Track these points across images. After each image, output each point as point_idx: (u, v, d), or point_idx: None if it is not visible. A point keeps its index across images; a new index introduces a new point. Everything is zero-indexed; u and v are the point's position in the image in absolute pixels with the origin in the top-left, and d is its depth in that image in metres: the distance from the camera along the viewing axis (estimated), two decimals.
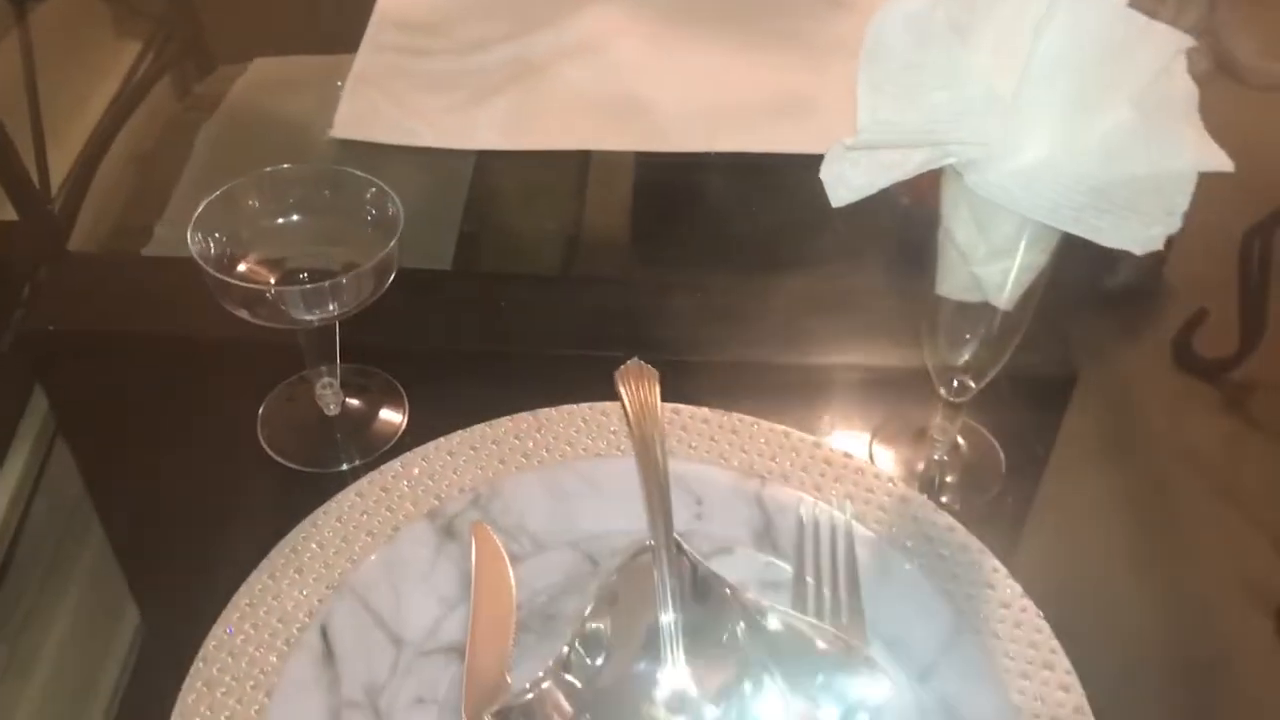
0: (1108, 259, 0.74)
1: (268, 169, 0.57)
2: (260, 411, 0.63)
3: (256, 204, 0.57)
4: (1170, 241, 0.74)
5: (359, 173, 0.58)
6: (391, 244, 0.55)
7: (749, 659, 0.48)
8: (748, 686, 0.47)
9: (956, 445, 0.62)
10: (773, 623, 0.48)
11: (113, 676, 0.54)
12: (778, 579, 0.54)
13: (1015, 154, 0.47)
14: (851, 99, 0.48)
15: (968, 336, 0.55)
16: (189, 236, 0.54)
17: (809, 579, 0.53)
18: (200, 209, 0.55)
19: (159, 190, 0.77)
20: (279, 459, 0.61)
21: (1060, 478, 0.63)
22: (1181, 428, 0.64)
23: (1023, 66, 0.46)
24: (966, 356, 0.56)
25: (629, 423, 0.49)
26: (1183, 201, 0.47)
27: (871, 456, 0.62)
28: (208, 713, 0.49)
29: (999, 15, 0.47)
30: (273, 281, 0.56)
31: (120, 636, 0.55)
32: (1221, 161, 0.47)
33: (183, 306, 0.68)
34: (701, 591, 0.48)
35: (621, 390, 0.50)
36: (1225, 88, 0.79)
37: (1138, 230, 0.47)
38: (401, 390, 0.64)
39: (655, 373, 0.51)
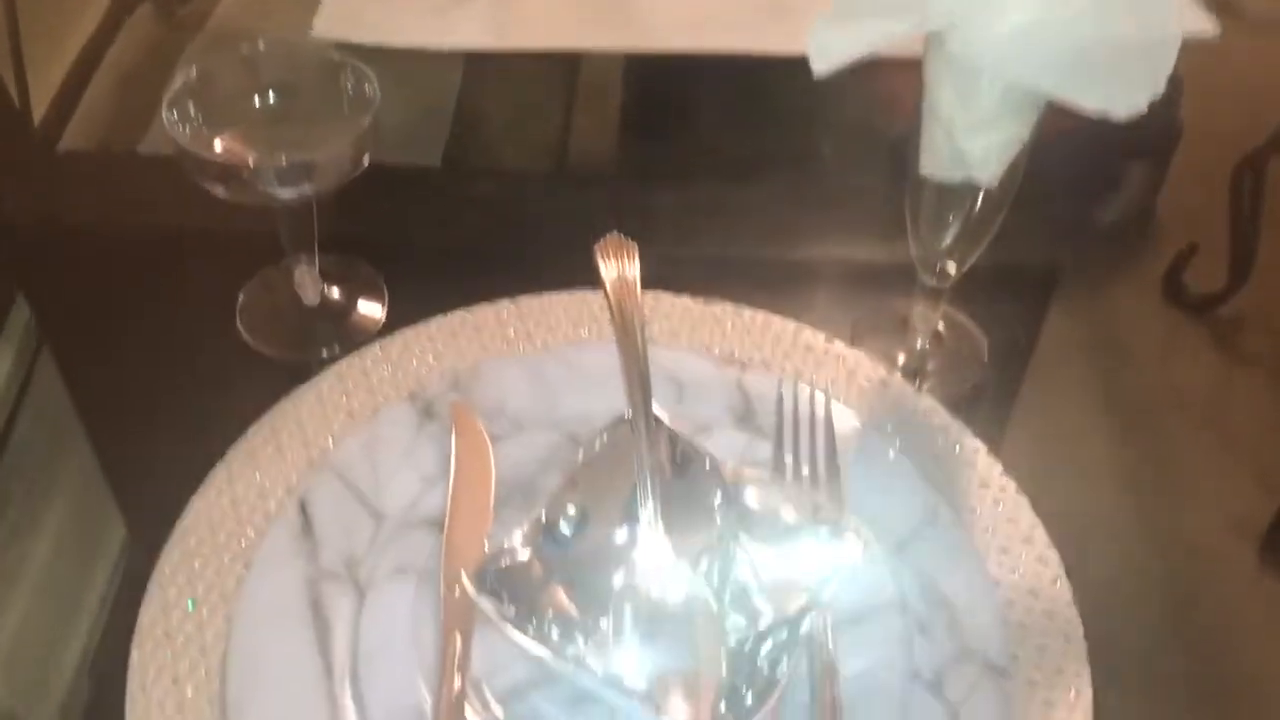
0: (1099, 192, 0.75)
1: (242, 45, 0.56)
2: (239, 301, 0.62)
3: (231, 82, 0.56)
4: (1163, 176, 0.75)
5: (335, 53, 0.57)
6: (367, 119, 0.54)
7: (726, 528, 0.48)
8: (724, 555, 0.47)
9: (939, 334, 0.62)
10: (751, 492, 0.48)
11: (104, 576, 0.53)
12: (757, 459, 0.54)
13: (1000, 16, 0.47)
14: None
15: (950, 218, 0.55)
16: (163, 112, 0.54)
17: (788, 458, 0.53)
18: (175, 84, 0.54)
19: (144, 110, 0.76)
20: (258, 347, 0.61)
21: (1043, 369, 0.63)
22: (1169, 361, 0.64)
23: None
24: (949, 239, 0.56)
25: (606, 294, 0.49)
26: (1167, 66, 0.46)
27: (853, 344, 0.61)
28: (184, 582, 0.49)
29: None
30: (250, 160, 0.55)
31: (109, 537, 0.55)
32: (1205, 25, 0.46)
33: (162, 201, 0.67)
34: (680, 463, 0.48)
35: (600, 262, 0.50)
36: (1219, 21, 0.78)
37: (1122, 95, 0.46)
38: (382, 282, 0.63)
39: (634, 246, 0.51)
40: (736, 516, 0.48)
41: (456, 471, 0.52)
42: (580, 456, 0.48)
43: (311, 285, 0.61)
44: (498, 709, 0.45)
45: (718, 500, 0.48)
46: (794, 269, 0.67)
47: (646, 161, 0.75)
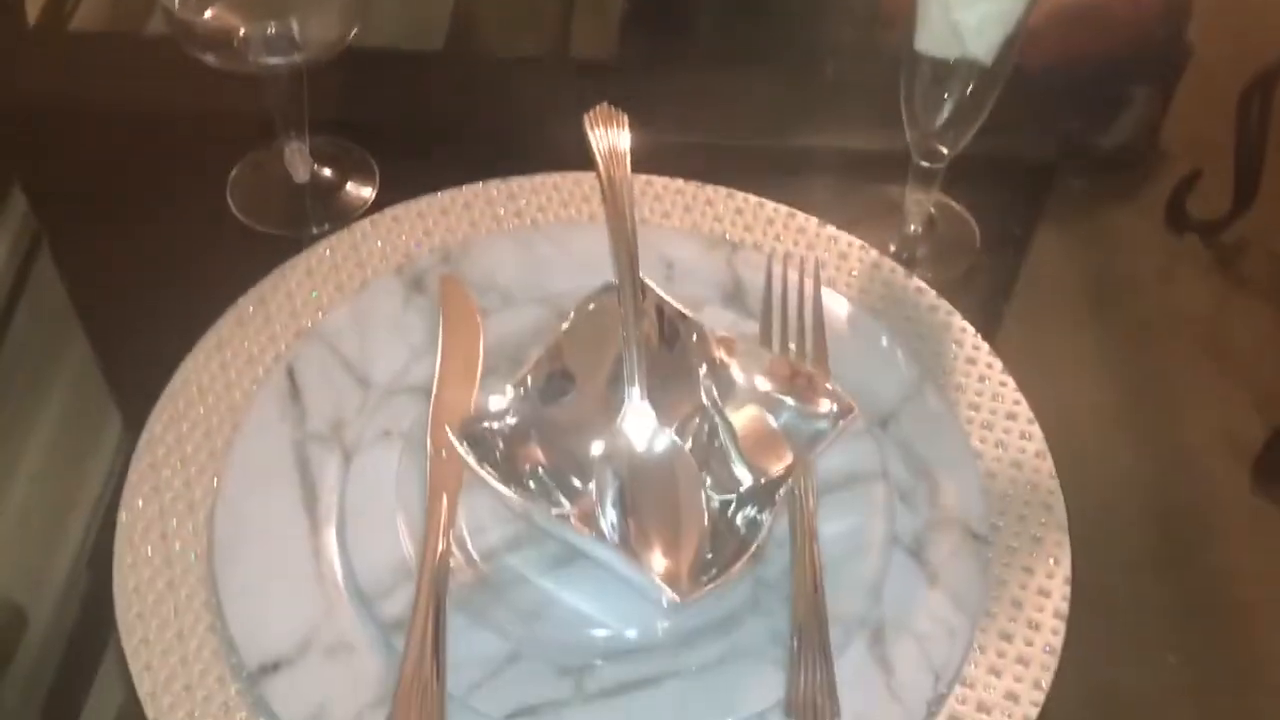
0: (1102, 118, 0.74)
1: None
2: (230, 177, 0.62)
3: None
4: (1167, 101, 0.74)
5: None
6: None
7: (710, 393, 0.48)
8: (707, 418, 0.48)
9: (932, 219, 0.61)
10: (736, 359, 0.48)
11: (104, 466, 0.53)
12: (744, 334, 0.54)
13: None
14: None
15: (945, 96, 0.55)
16: None
17: (775, 332, 0.53)
18: None
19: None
20: (248, 223, 0.61)
21: (1038, 264, 0.63)
22: (1170, 285, 0.64)
23: None
24: (943, 118, 0.55)
25: (594, 159, 0.49)
26: None
27: (846, 229, 0.61)
28: (173, 442, 0.49)
29: None
30: (240, 28, 0.55)
31: (109, 426, 0.55)
32: None
33: (156, 82, 0.67)
34: (667, 329, 0.48)
35: (589, 130, 0.49)
36: None
37: None
38: (373, 162, 0.63)
39: (624, 116, 0.51)
40: (721, 382, 0.48)
41: (444, 341, 0.52)
42: (567, 320, 0.48)
43: (302, 163, 0.61)
44: (483, 567, 0.46)
45: (703, 367, 0.48)
46: (790, 156, 0.66)
47: (646, 49, 0.74)
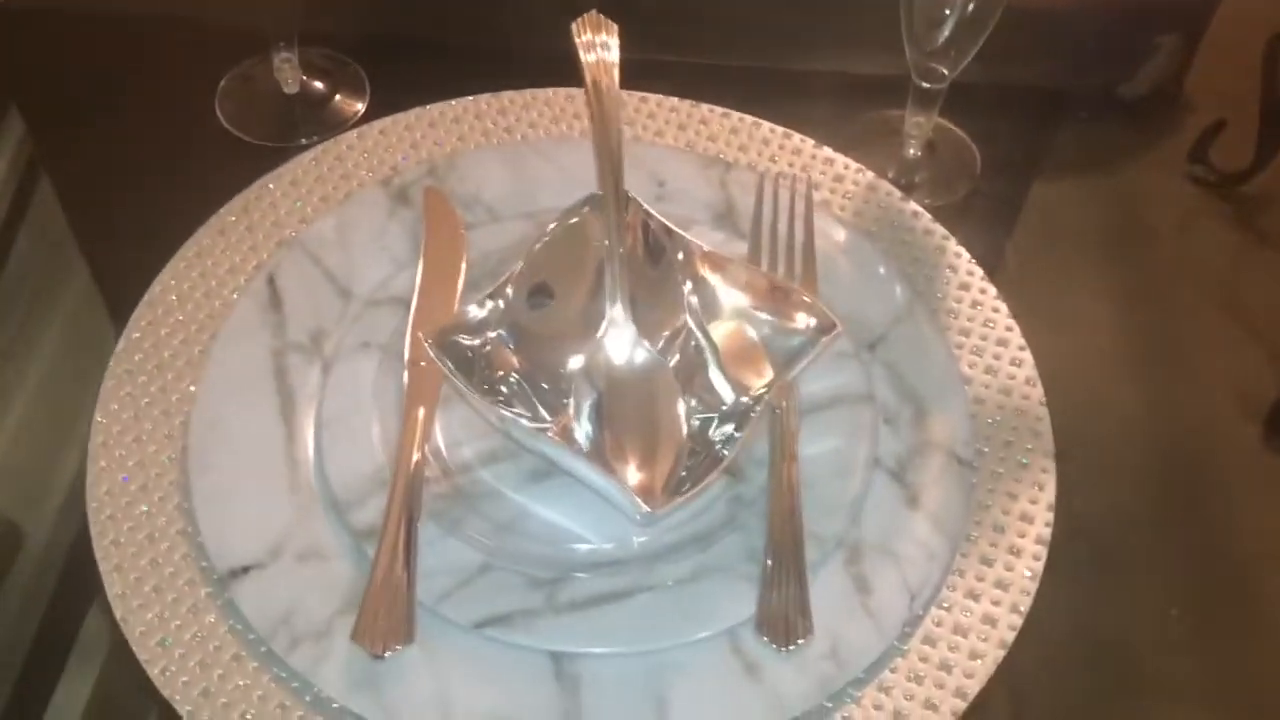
0: (1124, 68, 0.72)
1: None
2: (220, 87, 0.61)
3: None
4: (1193, 51, 0.72)
5: None
6: None
7: (693, 309, 0.47)
8: (689, 334, 0.47)
9: (932, 144, 0.60)
10: (721, 275, 0.47)
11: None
12: (733, 253, 0.53)
13: None
14: None
15: (946, 13, 0.53)
16: None
17: (764, 253, 0.52)
18: None
19: None
20: (237, 133, 0.60)
21: (1039, 188, 0.62)
22: (1188, 236, 0.63)
23: None
24: (944, 37, 0.54)
25: (581, 69, 0.47)
26: None
27: (844, 151, 0.60)
28: (150, 348, 0.49)
29: None
30: None
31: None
32: None
33: None
34: (651, 243, 0.48)
35: (577, 39, 0.48)
36: None
37: None
38: (363, 74, 0.62)
39: (614, 26, 0.49)
40: (704, 298, 0.47)
41: (426, 253, 0.51)
42: (548, 232, 0.47)
43: (291, 73, 0.60)
44: (459, 479, 0.46)
45: (686, 283, 0.47)
46: (790, 78, 0.65)
47: None
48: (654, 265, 0.48)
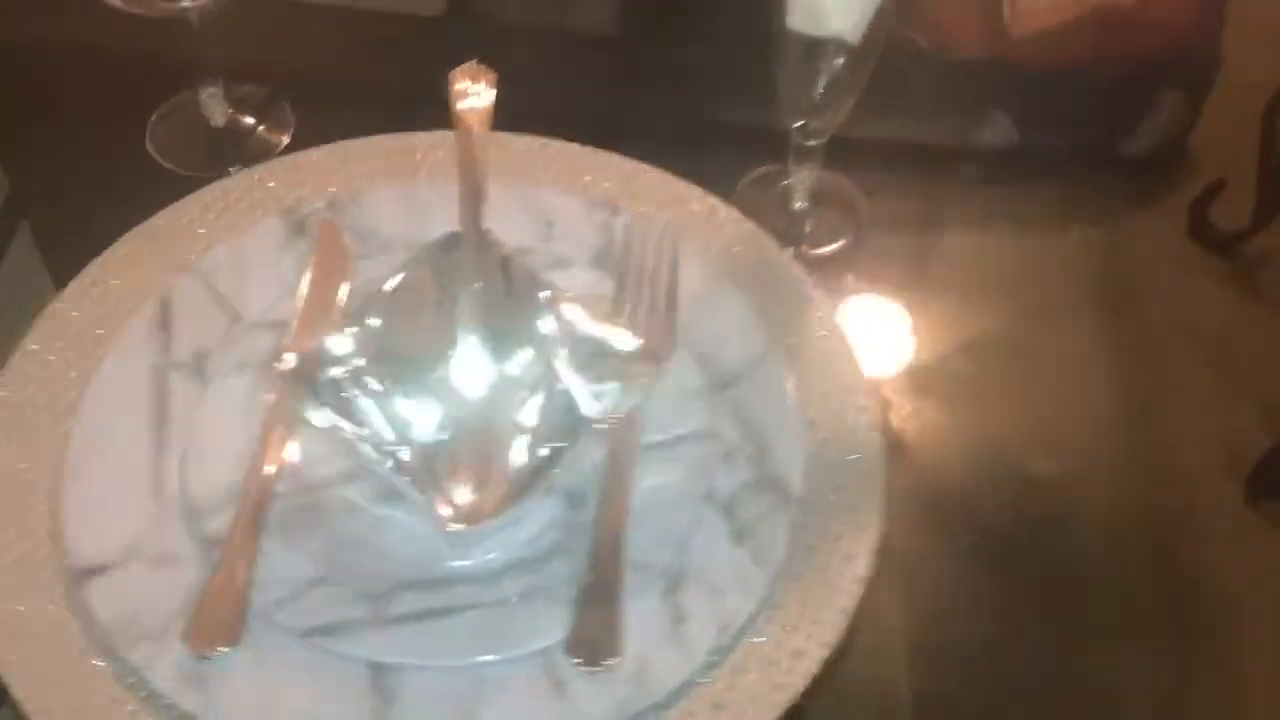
0: (1126, 124, 0.72)
1: None
2: (152, 119, 0.65)
3: None
4: (1198, 110, 0.73)
5: None
6: None
7: (539, 344, 0.50)
8: (533, 367, 0.49)
9: (819, 196, 0.62)
10: (574, 310, 0.50)
11: None
12: (605, 292, 0.55)
13: None
14: None
15: (815, 74, 0.56)
16: None
17: (629, 293, 0.55)
18: None
19: None
20: (167, 164, 0.64)
21: (925, 244, 0.64)
22: (1182, 291, 0.64)
23: None
24: (815, 96, 0.57)
25: (453, 113, 0.51)
26: None
27: (737, 201, 0.62)
28: (46, 359, 0.52)
29: None
30: None
31: None
32: None
33: (81, 23, 0.68)
34: (506, 278, 0.50)
35: (453, 85, 0.51)
36: None
37: None
38: (289, 110, 0.66)
39: (493, 75, 0.53)
40: (555, 333, 0.50)
41: (311, 280, 0.54)
42: (411, 263, 0.50)
43: (218, 107, 0.64)
44: (309, 496, 0.49)
45: (539, 317, 0.50)
46: (693, 129, 0.67)
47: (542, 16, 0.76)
48: (509, 299, 0.50)
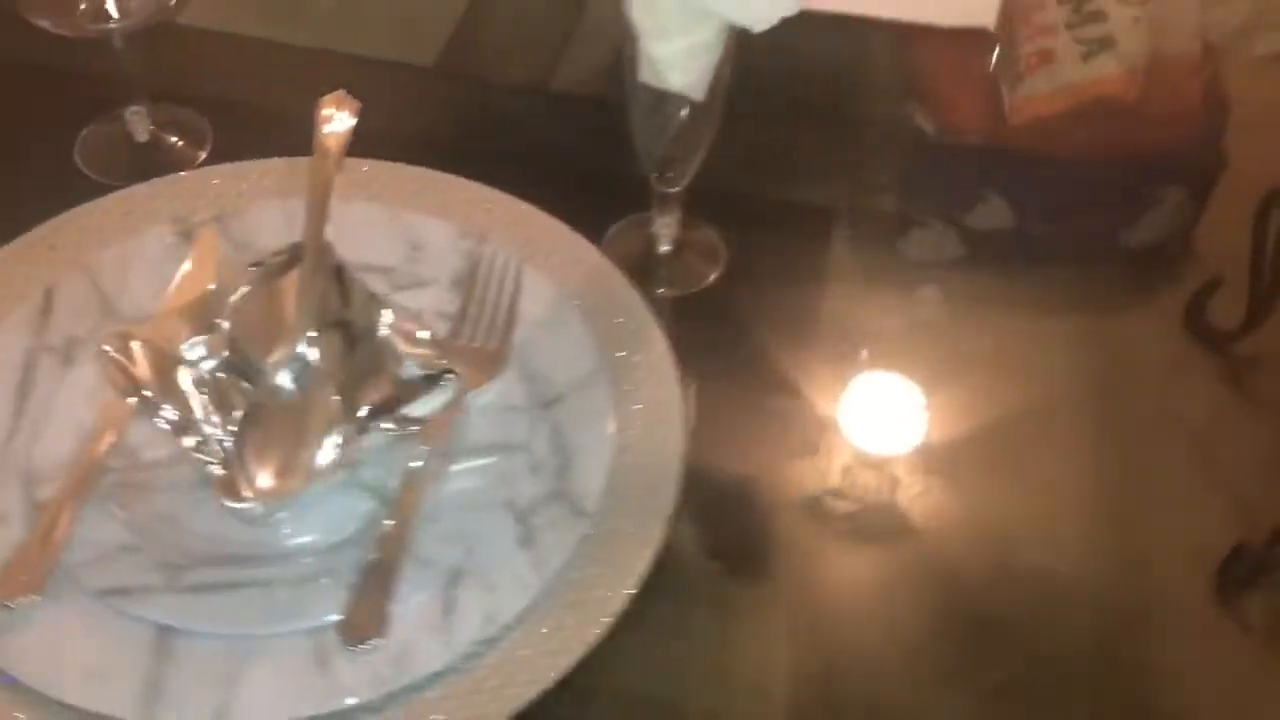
0: (1127, 215, 0.73)
1: None
2: (81, 134, 0.71)
3: None
4: (1201, 206, 0.73)
5: None
6: None
7: (371, 348, 0.54)
8: (359, 369, 0.53)
9: (681, 242, 0.66)
10: (405, 321, 0.54)
11: None
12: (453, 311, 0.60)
13: None
14: None
15: (664, 127, 0.59)
16: None
17: (472, 309, 0.59)
18: None
19: None
20: (94, 176, 0.69)
21: (772, 296, 0.66)
22: (1173, 388, 0.64)
23: None
24: (665, 147, 0.60)
25: (316, 138, 0.55)
26: None
27: (607, 241, 0.66)
28: None
29: None
30: None
31: None
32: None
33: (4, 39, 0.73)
34: (343, 291, 0.54)
35: (319, 111, 0.56)
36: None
37: (759, 10, 0.51)
38: (208, 127, 0.71)
39: (356, 104, 0.57)
40: (382, 340, 0.54)
41: (180, 280, 0.59)
42: (260, 267, 0.54)
43: (140, 124, 0.69)
44: (138, 474, 0.53)
45: (365, 325, 0.54)
46: (577, 174, 0.70)
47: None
48: (342, 308, 0.54)
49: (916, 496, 0.57)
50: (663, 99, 0.58)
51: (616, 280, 0.62)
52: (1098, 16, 0.72)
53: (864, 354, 0.62)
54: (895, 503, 0.57)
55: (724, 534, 0.57)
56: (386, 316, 0.53)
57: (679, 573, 0.54)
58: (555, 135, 0.74)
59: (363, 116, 0.55)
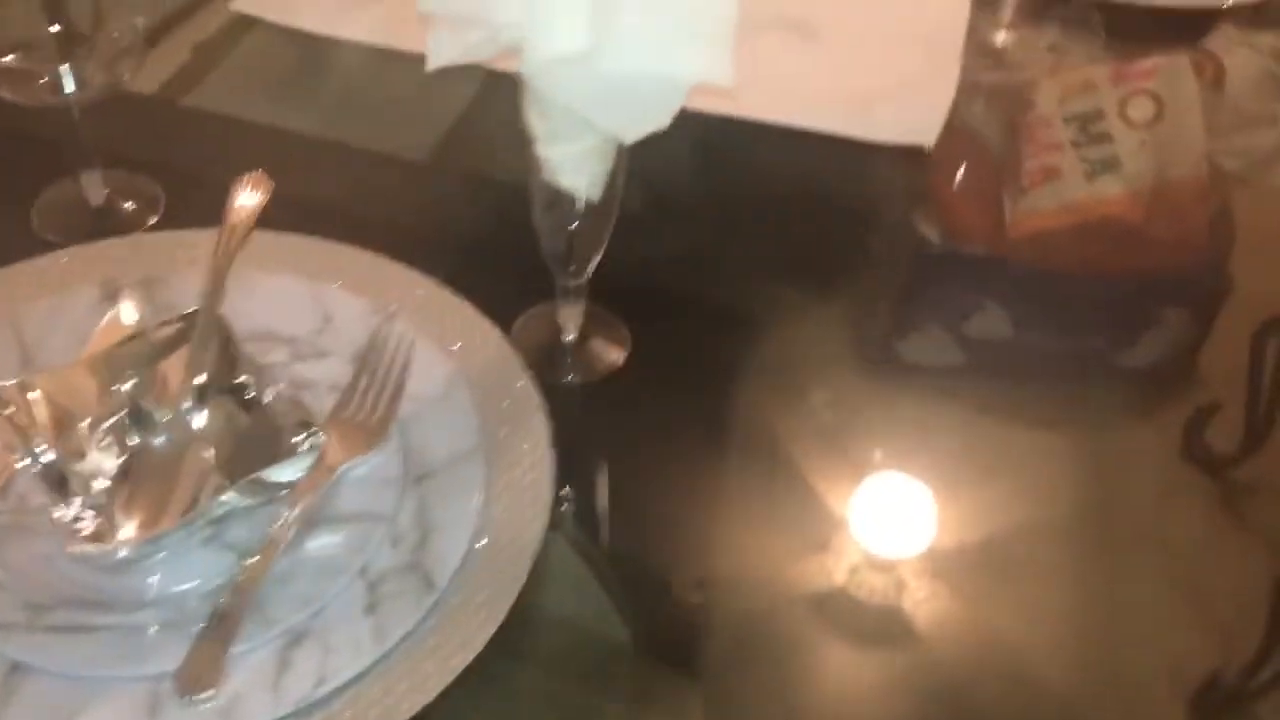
0: (1128, 334, 0.74)
1: None
2: (39, 198, 0.75)
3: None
4: (1204, 328, 0.74)
5: None
6: (125, 41, 0.67)
7: (249, 415, 0.57)
8: (234, 431, 0.56)
9: (586, 331, 0.69)
10: (278, 393, 0.57)
11: None
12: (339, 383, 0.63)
13: (546, 42, 0.54)
14: None
15: (561, 222, 0.62)
16: None
17: (362, 382, 0.62)
18: None
19: None
20: (50, 238, 0.73)
21: (679, 396, 0.68)
22: (1166, 512, 0.65)
23: None
24: (564, 242, 0.63)
25: (226, 212, 0.59)
26: (675, 104, 0.53)
27: (519, 330, 0.69)
28: None
29: None
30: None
31: None
32: (722, 75, 0.53)
33: None
34: (228, 358, 0.58)
35: (233, 188, 0.60)
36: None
37: (633, 123, 0.54)
38: (160, 193, 0.75)
39: (270, 185, 0.61)
40: (259, 415, 0.57)
41: (94, 339, 0.62)
42: (154, 332, 0.58)
43: (94, 189, 0.74)
44: (25, 516, 0.56)
45: (254, 394, 0.57)
46: (495, 260, 0.74)
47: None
48: (230, 375, 0.58)
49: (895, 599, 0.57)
50: (560, 196, 0.61)
51: (512, 364, 0.64)
52: (1104, 137, 0.73)
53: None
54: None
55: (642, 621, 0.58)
56: (271, 387, 0.57)
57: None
58: (494, 224, 0.78)
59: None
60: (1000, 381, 0.69)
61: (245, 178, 0.61)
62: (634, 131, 0.54)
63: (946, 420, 0.67)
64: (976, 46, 0.92)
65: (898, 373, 0.71)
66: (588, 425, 0.67)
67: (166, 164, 0.78)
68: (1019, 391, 0.69)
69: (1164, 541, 0.62)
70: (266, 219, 0.67)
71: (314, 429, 0.55)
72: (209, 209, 0.74)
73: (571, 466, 0.61)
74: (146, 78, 0.86)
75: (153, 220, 0.74)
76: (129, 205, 0.75)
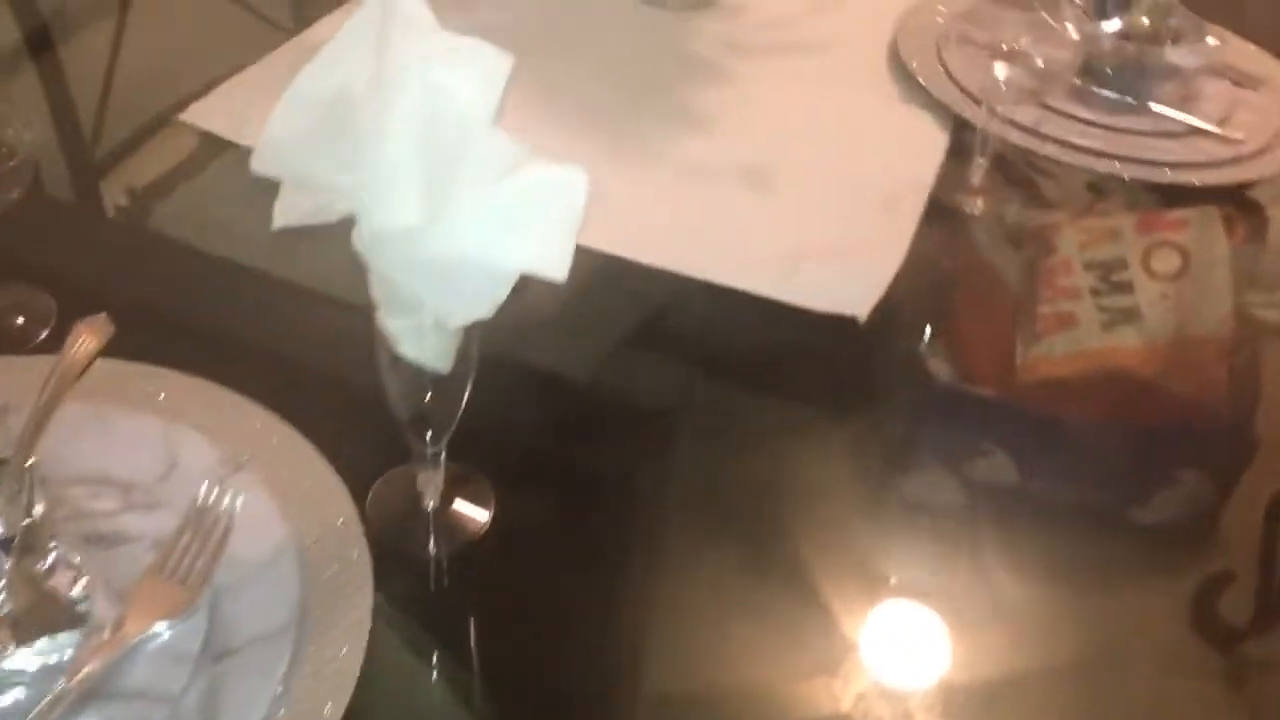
0: (1140, 492, 0.71)
1: None
2: None
3: None
4: (1228, 489, 0.71)
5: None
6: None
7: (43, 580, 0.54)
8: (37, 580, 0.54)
9: (449, 498, 0.65)
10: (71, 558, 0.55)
11: None
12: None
13: (379, 216, 0.52)
14: None
15: (412, 392, 0.59)
16: None
17: (180, 544, 0.59)
18: None
19: None
20: None
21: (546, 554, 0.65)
22: (1170, 686, 0.62)
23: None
24: (417, 412, 0.60)
25: (63, 352, 0.57)
26: (500, 293, 0.50)
27: (372, 491, 0.66)
28: None
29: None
30: None
31: None
32: (556, 268, 0.50)
33: None
34: (29, 504, 0.56)
35: (74, 328, 0.58)
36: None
37: (463, 308, 0.51)
38: (54, 308, 0.74)
39: (110, 330, 0.59)
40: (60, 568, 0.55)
41: None
42: None
43: None
44: None
45: (49, 550, 0.55)
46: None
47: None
48: (34, 531, 0.55)
49: None
50: (410, 367, 0.58)
51: (353, 530, 0.62)
52: (1125, 287, 0.72)
53: None
54: None
55: None
56: (71, 546, 0.55)
57: None
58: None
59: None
60: (1004, 527, 0.67)
61: (87, 321, 0.60)
62: (460, 316, 0.51)
63: (946, 563, 0.65)
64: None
65: (900, 510, 0.68)
66: (445, 599, 0.63)
67: (65, 278, 0.77)
68: (1023, 538, 0.66)
69: (1167, 709, 0.60)
70: (165, 345, 0.67)
71: (87, 596, 0.53)
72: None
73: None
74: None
75: (43, 335, 0.73)
76: (18, 320, 0.74)
